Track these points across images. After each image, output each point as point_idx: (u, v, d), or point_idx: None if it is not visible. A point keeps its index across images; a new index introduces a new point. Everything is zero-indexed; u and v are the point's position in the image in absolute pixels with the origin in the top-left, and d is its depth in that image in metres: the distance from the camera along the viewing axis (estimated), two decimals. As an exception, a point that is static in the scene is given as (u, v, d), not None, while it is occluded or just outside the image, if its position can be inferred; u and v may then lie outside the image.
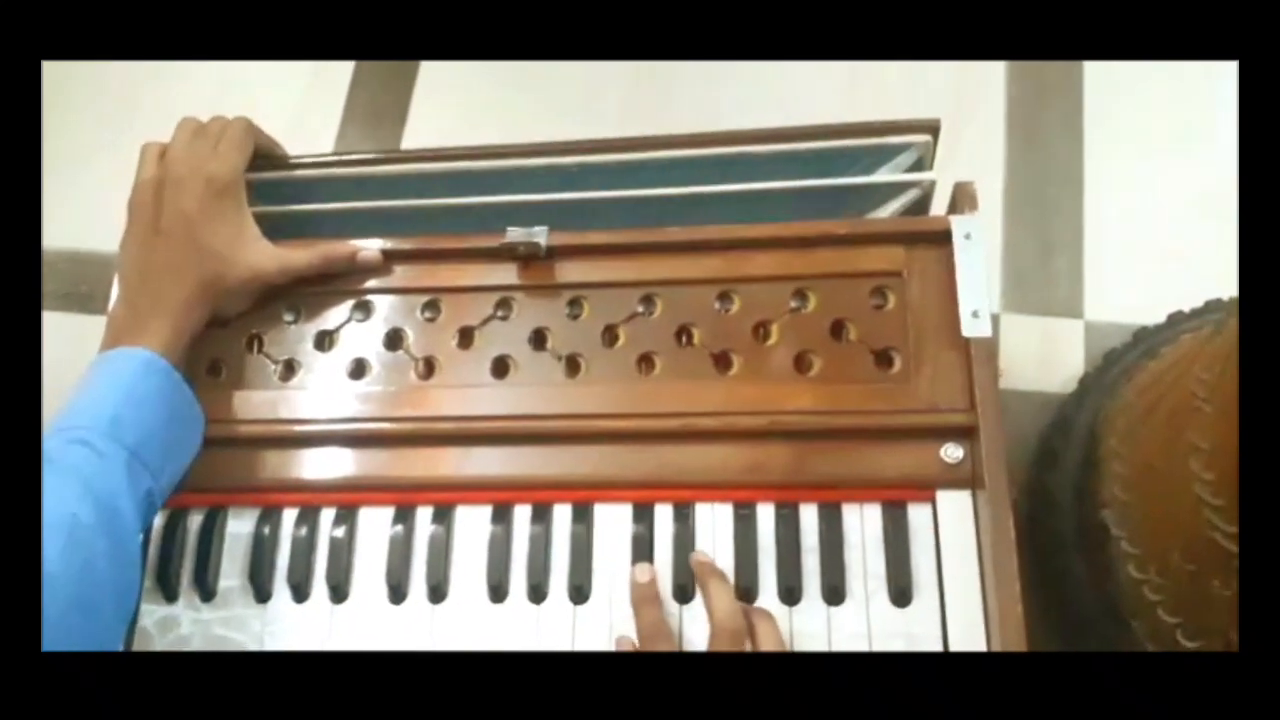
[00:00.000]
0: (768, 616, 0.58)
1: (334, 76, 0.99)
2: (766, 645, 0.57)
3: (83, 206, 0.95)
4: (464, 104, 0.98)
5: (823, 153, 0.66)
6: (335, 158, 0.74)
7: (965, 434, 0.60)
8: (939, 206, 0.68)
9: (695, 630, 0.59)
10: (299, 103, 0.98)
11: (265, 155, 0.70)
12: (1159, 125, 0.89)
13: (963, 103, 0.91)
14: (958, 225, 0.63)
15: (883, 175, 0.67)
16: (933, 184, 0.66)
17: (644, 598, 0.59)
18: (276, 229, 0.68)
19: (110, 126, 0.98)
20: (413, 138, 0.97)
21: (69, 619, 0.51)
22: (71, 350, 0.88)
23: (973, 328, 0.61)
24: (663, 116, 0.95)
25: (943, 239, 0.64)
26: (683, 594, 0.60)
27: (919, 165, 0.66)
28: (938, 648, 0.58)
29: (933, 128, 0.66)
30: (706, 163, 0.67)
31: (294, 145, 0.71)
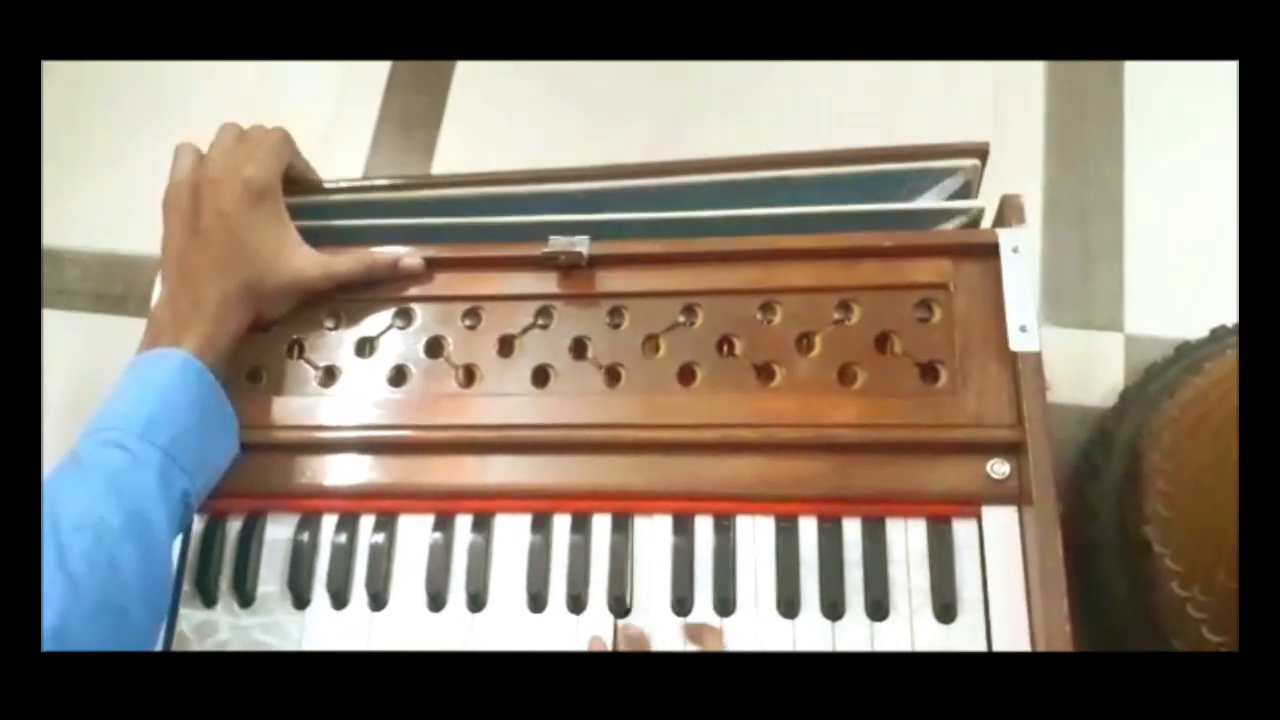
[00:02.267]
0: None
1: (369, 78, 0.99)
2: None
3: (117, 208, 0.95)
4: (500, 105, 0.97)
5: (867, 177, 0.66)
6: (368, 183, 0.74)
7: (1012, 449, 0.60)
8: (984, 219, 0.67)
9: (736, 644, 0.59)
10: (333, 105, 0.98)
11: (299, 180, 0.69)
12: (1201, 135, 0.88)
13: (1002, 112, 0.90)
14: (1005, 238, 0.63)
15: (929, 199, 0.66)
16: (981, 211, 0.65)
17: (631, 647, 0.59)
18: (313, 242, 0.67)
19: (145, 127, 0.98)
20: (449, 140, 0.97)
21: (97, 621, 0.51)
22: (106, 352, 0.89)
23: (1021, 342, 0.61)
24: (698, 116, 0.94)
25: (990, 252, 0.63)
26: (724, 607, 0.60)
27: (966, 188, 0.66)
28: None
29: (981, 151, 0.65)
30: (747, 187, 0.67)
31: (330, 148, 0.72)
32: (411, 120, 0.97)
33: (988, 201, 0.67)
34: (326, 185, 0.72)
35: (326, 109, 0.98)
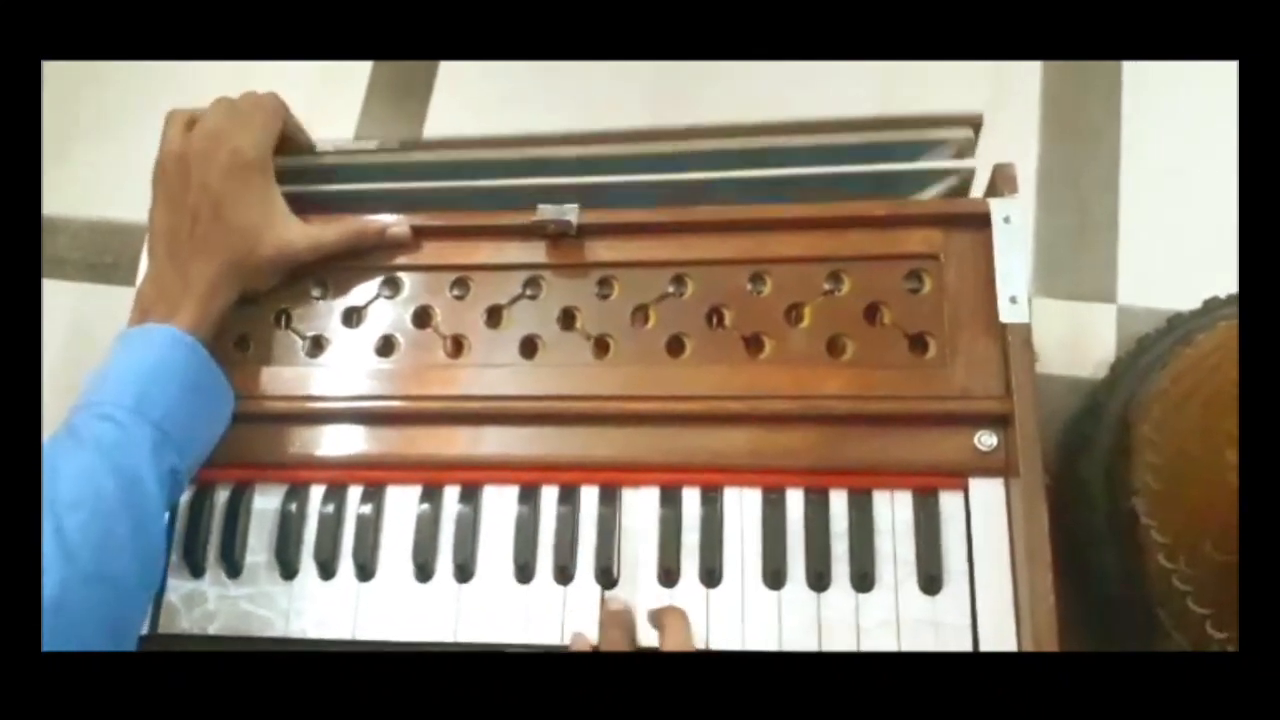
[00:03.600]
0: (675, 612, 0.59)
1: (349, 75, 0.98)
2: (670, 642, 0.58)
3: (108, 176, 0.94)
4: (484, 107, 0.96)
5: (860, 147, 0.65)
6: (361, 146, 0.74)
7: (1000, 421, 0.60)
8: (975, 189, 0.67)
9: (720, 615, 0.59)
10: (316, 92, 0.97)
11: (291, 140, 0.68)
12: (1198, 107, 0.87)
13: (999, 82, 0.89)
14: (997, 208, 0.62)
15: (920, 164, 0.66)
16: (972, 172, 0.65)
17: (612, 621, 0.59)
18: (302, 209, 0.67)
19: (137, 96, 0.97)
20: (440, 107, 0.96)
21: (90, 591, 0.51)
22: (96, 320, 0.90)
23: (1010, 313, 0.60)
24: (693, 96, 0.93)
25: (981, 222, 0.62)
26: (710, 578, 0.60)
27: (959, 158, 0.65)
28: (967, 636, 0.58)
29: (974, 122, 0.64)
30: (739, 155, 0.66)
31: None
32: (394, 116, 0.96)
33: (981, 174, 0.66)
34: (318, 148, 0.71)
35: (308, 96, 0.96)
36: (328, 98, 0.97)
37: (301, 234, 0.65)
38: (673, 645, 0.57)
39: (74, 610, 0.50)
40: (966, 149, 0.65)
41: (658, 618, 0.59)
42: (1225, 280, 0.78)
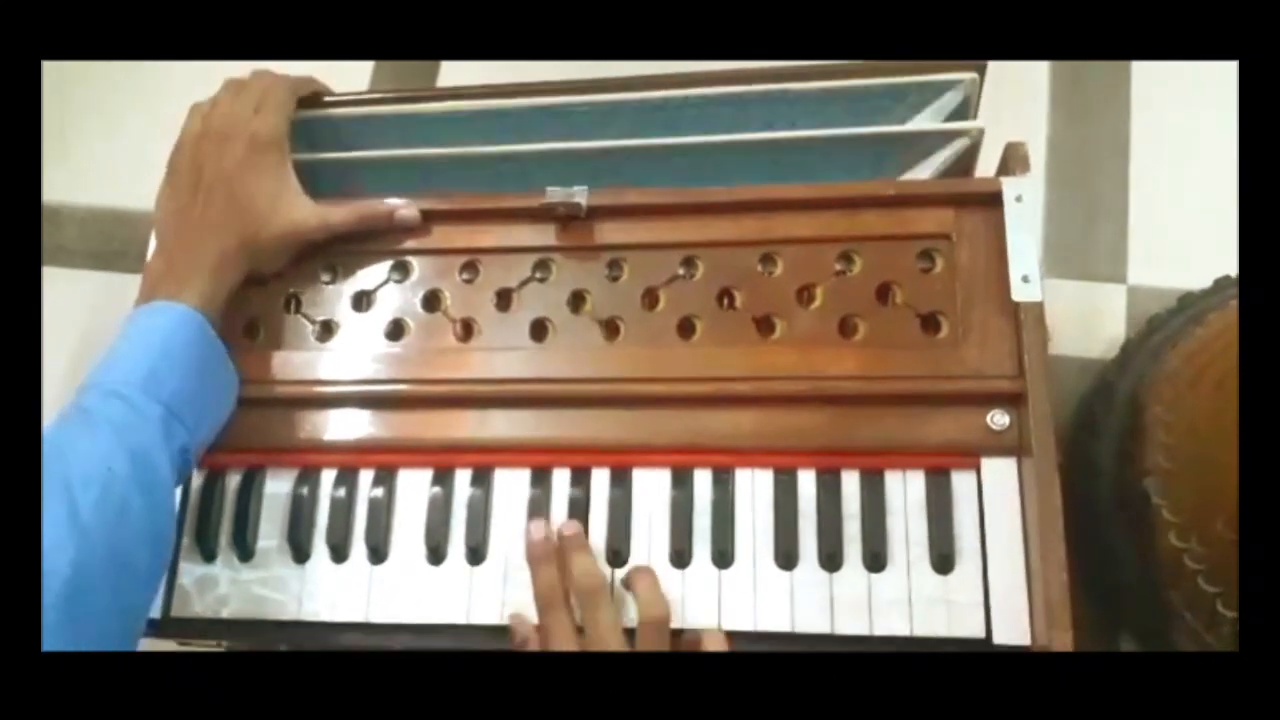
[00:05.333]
0: (642, 569, 0.59)
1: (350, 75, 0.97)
2: (642, 598, 0.58)
3: (115, 165, 0.94)
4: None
5: (864, 91, 0.65)
6: (372, 95, 0.73)
7: (1012, 401, 0.59)
8: (986, 167, 0.66)
9: (733, 596, 0.59)
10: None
11: (309, 99, 0.69)
12: (1207, 86, 0.87)
13: (1008, 62, 0.89)
14: (1009, 187, 0.62)
15: (926, 118, 0.65)
16: (981, 133, 0.64)
17: (539, 556, 0.59)
18: (316, 180, 0.67)
19: (144, 86, 0.97)
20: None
21: (104, 570, 0.51)
22: (104, 308, 0.89)
23: (1023, 292, 0.60)
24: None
25: (993, 201, 0.62)
26: (722, 559, 0.60)
27: (964, 106, 0.64)
28: (979, 614, 0.57)
29: (978, 66, 0.64)
30: (747, 100, 0.65)
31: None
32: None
33: (991, 153, 0.66)
34: (331, 99, 0.71)
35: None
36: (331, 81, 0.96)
37: (311, 213, 0.65)
38: (645, 603, 0.57)
39: (89, 589, 0.50)
40: (972, 93, 0.64)
41: (629, 581, 0.59)
42: (1235, 260, 0.78)
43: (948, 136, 0.65)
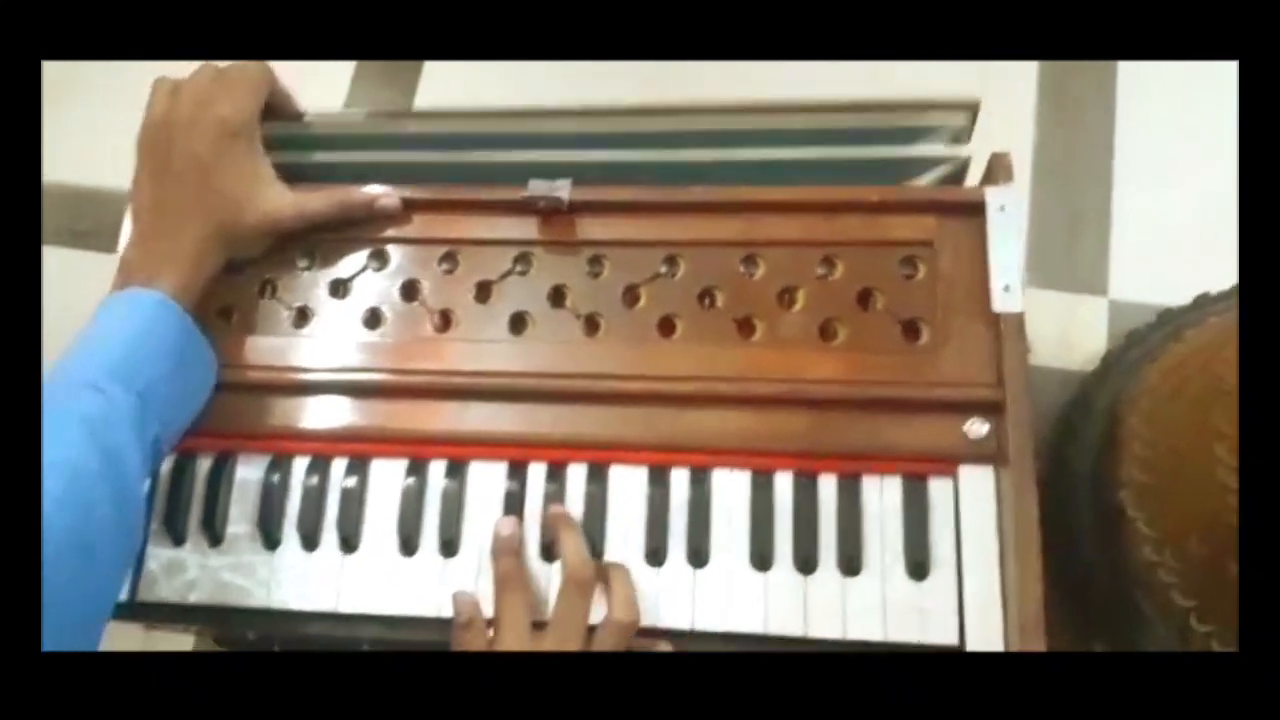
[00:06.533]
0: (622, 570, 0.59)
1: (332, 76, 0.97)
2: (617, 598, 0.57)
3: (83, 141, 0.93)
4: (470, 97, 0.95)
5: (856, 130, 0.64)
6: (348, 114, 0.72)
7: (991, 409, 0.59)
8: (970, 176, 0.66)
9: (708, 596, 0.59)
10: (299, 91, 0.96)
11: (279, 109, 0.67)
12: (1192, 104, 0.87)
13: (993, 72, 0.89)
14: (992, 196, 0.62)
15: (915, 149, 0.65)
16: (967, 160, 0.64)
17: (504, 549, 0.59)
18: (290, 178, 0.66)
19: (112, 63, 0.96)
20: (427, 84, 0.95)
21: (65, 560, 0.50)
22: (71, 286, 0.87)
23: (1004, 302, 0.60)
24: (684, 85, 0.92)
25: (976, 210, 0.62)
26: (697, 559, 0.60)
27: (954, 145, 0.64)
28: (953, 623, 0.57)
29: (971, 107, 0.64)
30: (733, 135, 0.65)
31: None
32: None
33: (977, 163, 0.66)
34: (307, 118, 0.70)
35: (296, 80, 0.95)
36: (310, 97, 0.96)
37: (289, 201, 0.64)
38: (620, 599, 0.57)
39: (49, 578, 0.49)
40: (962, 135, 0.65)
41: (604, 577, 0.59)
42: (1216, 276, 0.78)
43: (931, 162, 0.65)
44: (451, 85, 0.95)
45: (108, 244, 0.65)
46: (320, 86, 0.93)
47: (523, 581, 0.59)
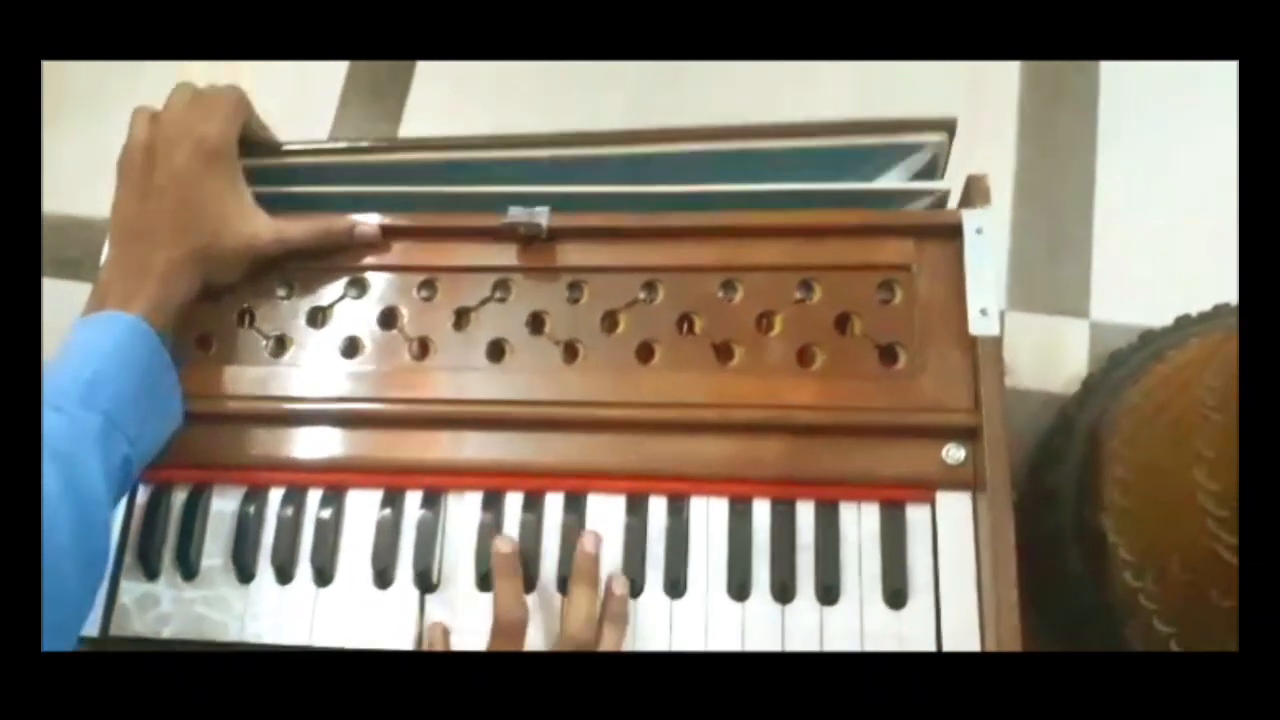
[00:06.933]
0: (586, 589, 0.58)
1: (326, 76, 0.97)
2: (577, 615, 0.57)
3: (72, 171, 0.92)
4: (461, 108, 0.96)
5: (834, 150, 0.65)
6: (327, 145, 0.72)
7: (968, 435, 0.59)
8: (954, 200, 0.66)
9: (685, 627, 0.59)
10: (292, 92, 0.96)
11: (255, 140, 0.67)
12: (1173, 126, 0.88)
13: (976, 95, 0.89)
14: (969, 220, 0.62)
15: (895, 177, 0.65)
16: (946, 193, 0.64)
17: (504, 570, 0.59)
18: (271, 210, 0.66)
19: (101, 90, 0.96)
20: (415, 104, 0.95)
21: None
22: (60, 316, 0.87)
23: (981, 326, 0.60)
24: (666, 117, 0.92)
25: (953, 233, 0.62)
26: (674, 589, 0.59)
27: (933, 164, 0.65)
28: (931, 650, 0.57)
29: (948, 126, 0.64)
30: (715, 158, 0.65)
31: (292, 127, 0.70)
32: (371, 117, 0.95)
33: (957, 184, 0.66)
34: (285, 148, 0.70)
35: (286, 95, 0.96)
36: (303, 98, 0.96)
37: (267, 227, 0.64)
38: (577, 619, 0.57)
39: None
40: (941, 153, 0.64)
41: (570, 592, 0.59)
42: (1198, 297, 0.78)
43: (911, 196, 0.65)
44: (438, 114, 0.95)
45: (95, 273, 0.65)
46: (305, 115, 0.94)
47: (524, 606, 0.59)
